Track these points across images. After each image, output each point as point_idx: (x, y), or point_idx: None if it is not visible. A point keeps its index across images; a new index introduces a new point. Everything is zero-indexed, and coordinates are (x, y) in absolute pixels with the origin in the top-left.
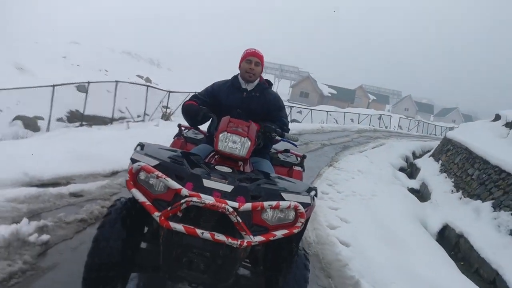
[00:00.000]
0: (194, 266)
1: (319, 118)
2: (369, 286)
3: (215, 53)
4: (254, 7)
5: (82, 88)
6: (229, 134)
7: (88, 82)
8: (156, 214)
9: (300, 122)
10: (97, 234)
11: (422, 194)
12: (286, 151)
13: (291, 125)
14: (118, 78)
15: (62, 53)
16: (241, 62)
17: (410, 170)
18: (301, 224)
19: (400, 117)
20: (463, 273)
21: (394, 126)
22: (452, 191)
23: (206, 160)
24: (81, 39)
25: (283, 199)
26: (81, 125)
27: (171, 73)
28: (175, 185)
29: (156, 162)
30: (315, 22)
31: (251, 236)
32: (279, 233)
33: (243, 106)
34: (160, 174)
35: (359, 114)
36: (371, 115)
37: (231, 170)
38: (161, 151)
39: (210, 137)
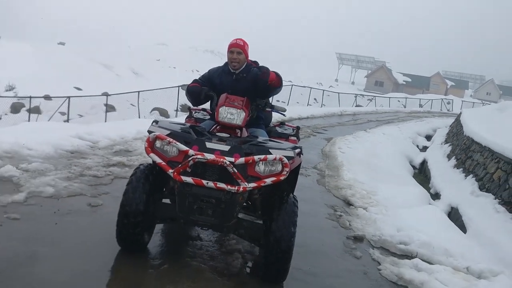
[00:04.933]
0: (203, 212)
1: (385, 103)
2: (342, 159)
3: (290, 48)
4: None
5: (185, 87)
6: (227, 107)
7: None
8: (170, 171)
9: (362, 106)
10: (126, 188)
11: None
12: (283, 124)
13: (353, 109)
14: None
15: (155, 55)
16: (227, 52)
17: None
18: (286, 172)
19: (462, 101)
20: (415, 178)
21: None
22: (441, 143)
23: (210, 131)
24: (166, 40)
25: (271, 154)
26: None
27: None
28: (183, 147)
29: (168, 132)
30: (396, 12)
31: (246, 183)
32: (269, 180)
33: (233, 87)
34: (171, 140)
35: (419, 99)
36: (432, 99)
37: (229, 136)
38: (172, 125)
39: (213, 115)
